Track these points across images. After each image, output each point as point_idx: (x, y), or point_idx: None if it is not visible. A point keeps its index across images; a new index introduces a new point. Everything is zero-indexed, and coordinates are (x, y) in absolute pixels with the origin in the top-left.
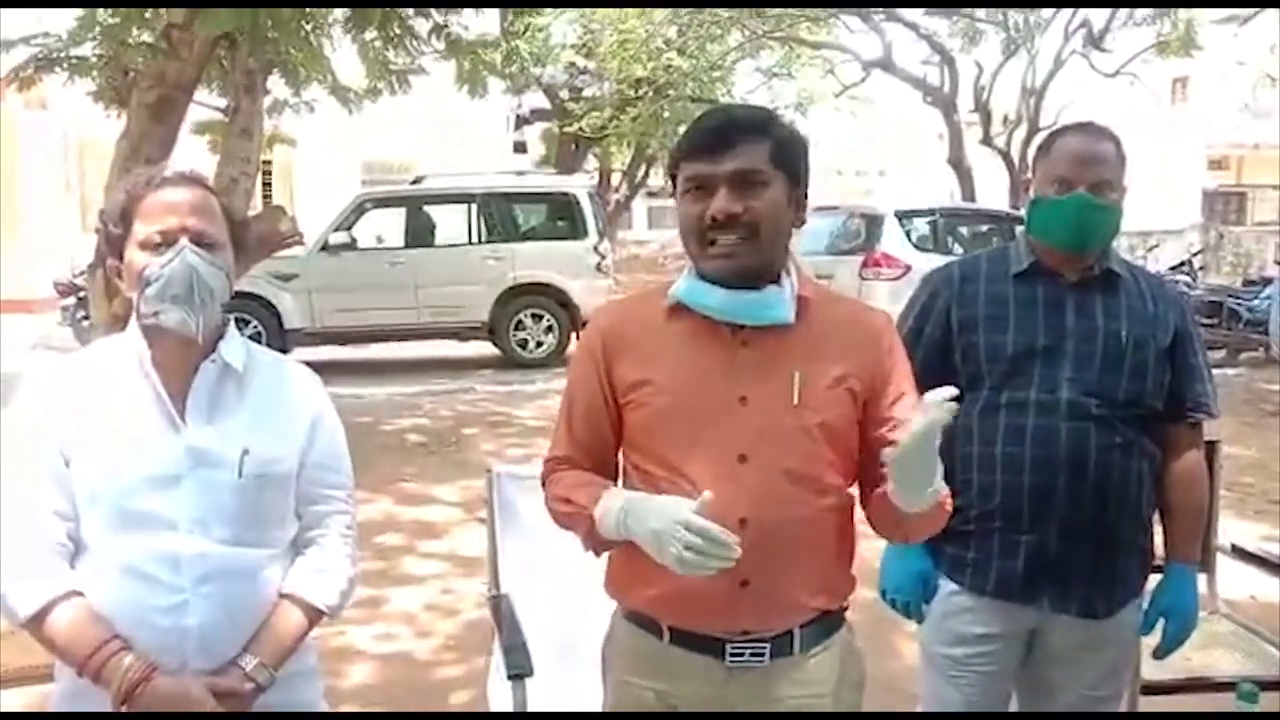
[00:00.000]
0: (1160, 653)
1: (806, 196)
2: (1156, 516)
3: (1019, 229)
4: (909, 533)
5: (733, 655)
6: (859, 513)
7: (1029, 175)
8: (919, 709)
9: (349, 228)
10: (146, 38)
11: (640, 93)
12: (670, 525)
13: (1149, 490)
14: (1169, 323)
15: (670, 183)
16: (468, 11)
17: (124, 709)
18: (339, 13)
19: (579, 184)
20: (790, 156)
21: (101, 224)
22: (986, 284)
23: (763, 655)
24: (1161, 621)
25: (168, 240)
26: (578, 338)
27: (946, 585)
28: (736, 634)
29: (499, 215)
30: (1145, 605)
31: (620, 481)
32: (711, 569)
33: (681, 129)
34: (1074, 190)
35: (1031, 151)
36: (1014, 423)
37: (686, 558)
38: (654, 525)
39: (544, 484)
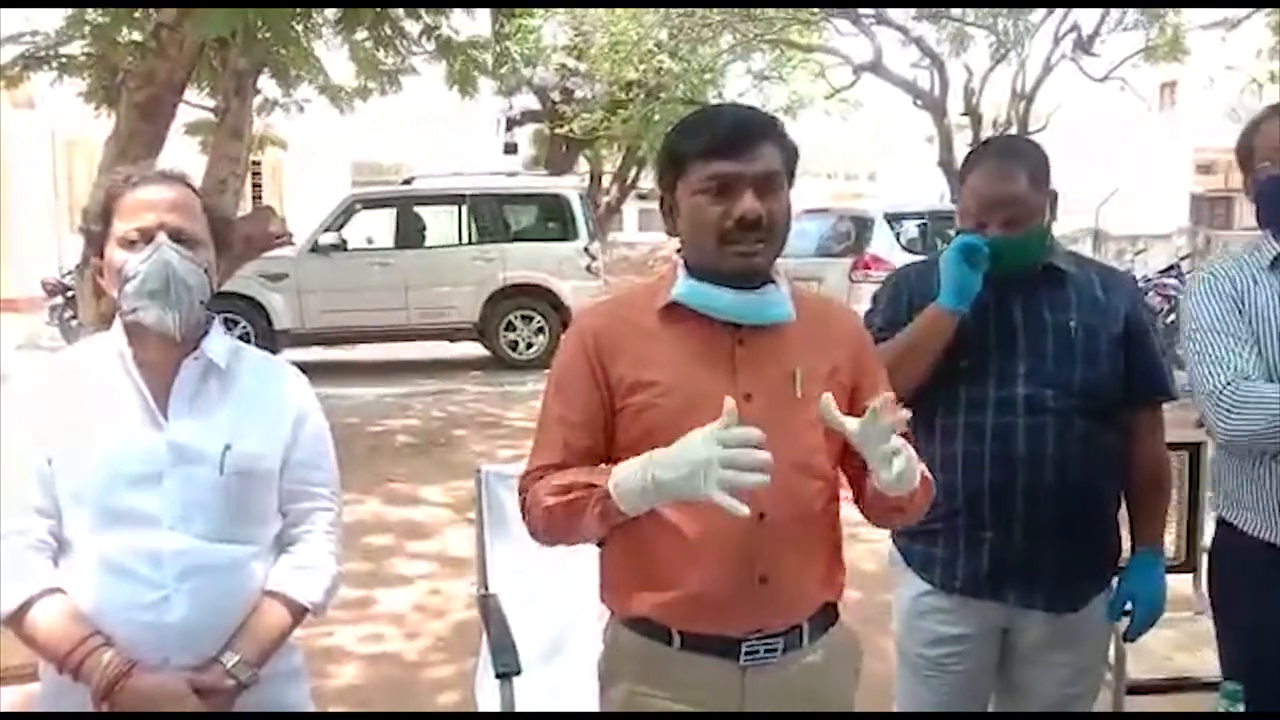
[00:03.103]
0: (1129, 635)
1: None
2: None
3: None
4: (910, 513)
5: (747, 654)
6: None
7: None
8: (895, 710)
9: (339, 228)
10: (136, 37)
11: (631, 95)
12: (705, 440)
13: (1112, 482)
14: (1119, 310)
15: (665, 180)
16: (458, 13)
17: (104, 706)
18: (330, 13)
19: (570, 185)
20: (793, 160)
21: (85, 223)
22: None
23: (776, 651)
24: (1129, 606)
25: (146, 237)
26: None
27: (918, 585)
28: (750, 633)
29: (489, 216)
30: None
31: None
32: (749, 484)
33: None
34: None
35: None
36: (974, 421)
37: (726, 476)
38: (689, 457)
39: (524, 499)
